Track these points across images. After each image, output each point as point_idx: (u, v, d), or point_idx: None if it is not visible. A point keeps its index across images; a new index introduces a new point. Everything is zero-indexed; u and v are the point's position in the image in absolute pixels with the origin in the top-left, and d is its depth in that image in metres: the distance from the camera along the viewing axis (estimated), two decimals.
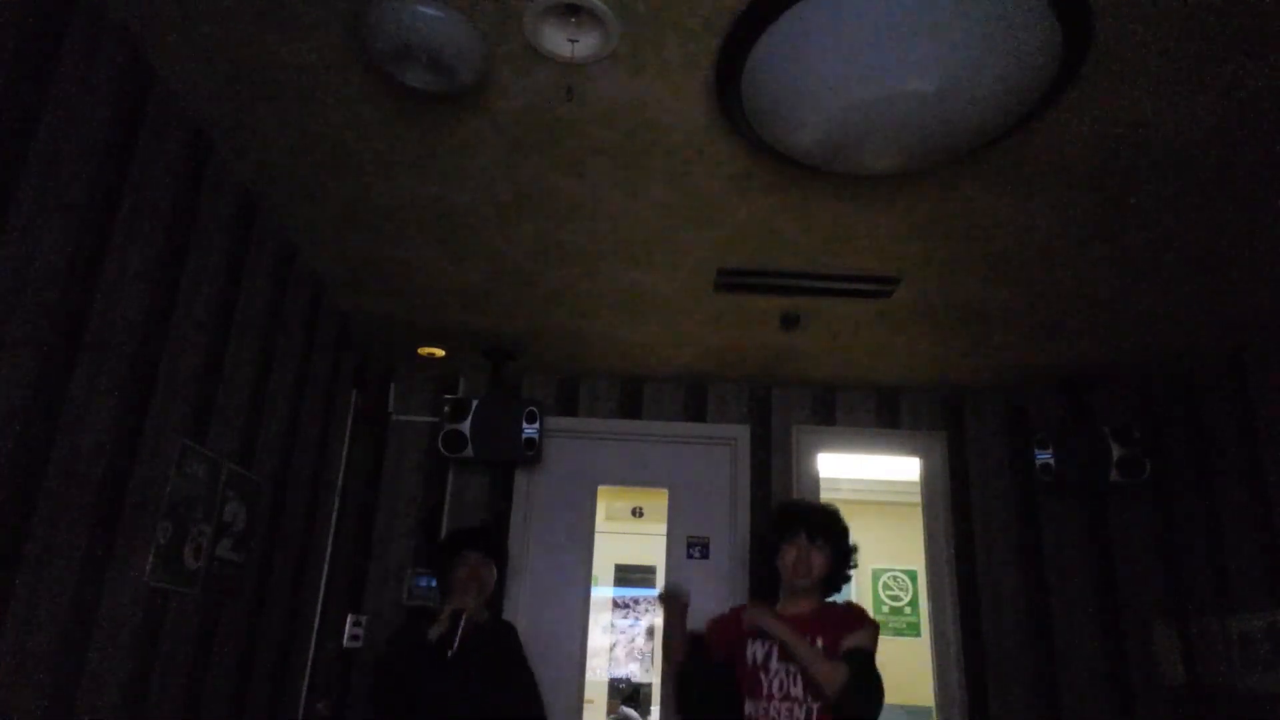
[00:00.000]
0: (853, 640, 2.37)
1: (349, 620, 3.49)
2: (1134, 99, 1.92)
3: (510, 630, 3.08)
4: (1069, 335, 3.22)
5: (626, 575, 6.13)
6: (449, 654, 2.70)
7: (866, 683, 2.33)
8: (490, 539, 3.03)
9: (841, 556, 2.59)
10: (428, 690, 2.70)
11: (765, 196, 2.40)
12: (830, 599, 2.61)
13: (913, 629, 6.09)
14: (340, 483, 3.41)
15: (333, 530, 3.36)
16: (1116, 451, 3.49)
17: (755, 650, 2.47)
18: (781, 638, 2.37)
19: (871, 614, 2.54)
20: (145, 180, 1.97)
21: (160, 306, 2.08)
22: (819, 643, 2.37)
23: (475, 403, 3.58)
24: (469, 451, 3.54)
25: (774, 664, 2.42)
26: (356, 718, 3.40)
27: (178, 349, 2.17)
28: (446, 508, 3.73)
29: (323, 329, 3.12)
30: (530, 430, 3.57)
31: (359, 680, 3.47)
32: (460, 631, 2.71)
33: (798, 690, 2.36)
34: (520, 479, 3.78)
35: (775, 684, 2.40)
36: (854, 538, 2.64)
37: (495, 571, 2.95)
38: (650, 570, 5.99)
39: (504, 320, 3.33)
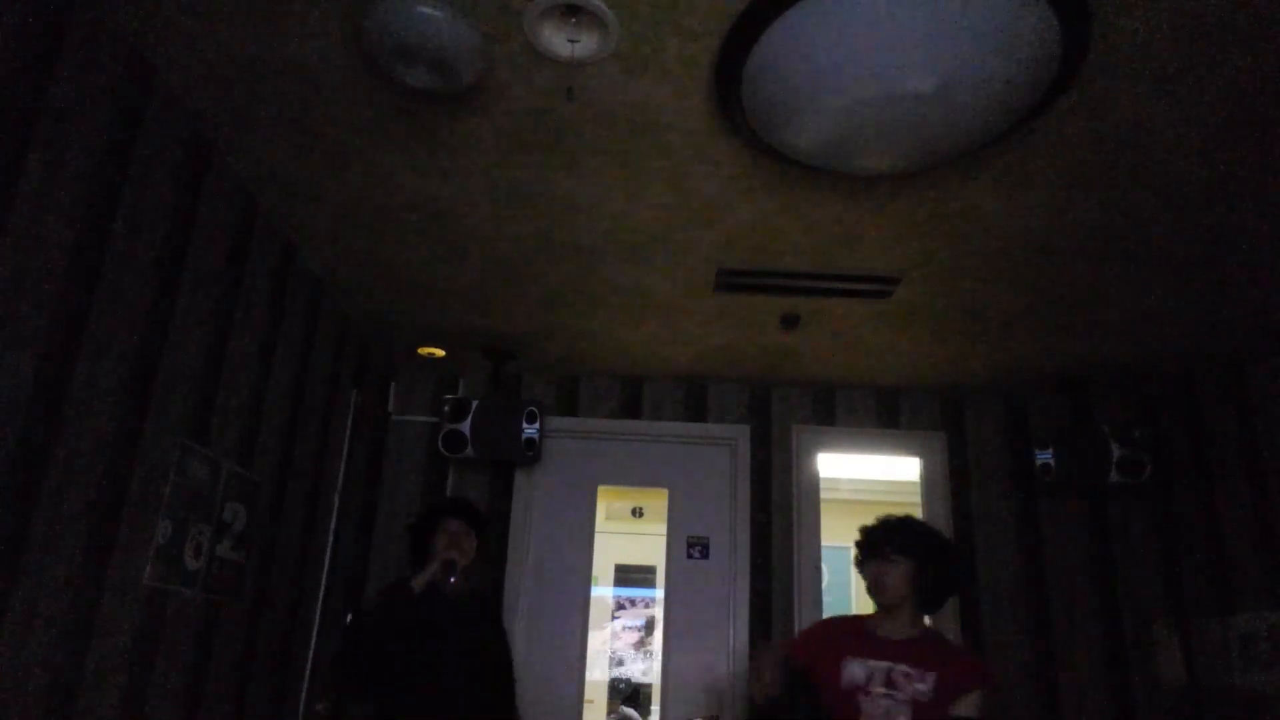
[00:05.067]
0: (967, 707, 2.26)
1: (349, 620, 3.48)
2: (1134, 99, 1.92)
3: (494, 606, 3.05)
4: (1069, 335, 3.22)
5: (626, 575, 6.13)
6: (445, 593, 2.67)
7: None
8: (472, 510, 2.94)
9: (932, 567, 2.42)
10: (412, 644, 2.63)
11: (765, 196, 2.40)
12: (932, 626, 2.46)
13: None
14: (340, 483, 3.41)
15: (333, 530, 3.36)
16: (1116, 451, 3.49)
17: (854, 671, 2.35)
18: None
19: (986, 664, 2.44)
20: (145, 180, 1.97)
21: (160, 306, 2.08)
22: (927, 677, 2.27)
23: (475, 403, 3.58)
24: (469, 451, 3.54)
25: (876, 689, 2.30)
26: (355, 714, 3.40)
27: (178, 349, 2.17)
28: None
29: (323, 329, 3.12)
30: (530, 430, 3.57)
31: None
32: (454, 580, 2.67)
33: None
34: (520, 479, 3.78)
35: (879, 711, 2.28)
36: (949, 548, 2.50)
37: (475, 543, 2.87)
38: (650, 570, 5.99)
39: (504, 320, 3.33)
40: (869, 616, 2.53)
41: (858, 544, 2.54)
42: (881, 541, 2.47)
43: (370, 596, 3.47)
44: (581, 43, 1.81)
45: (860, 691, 2.31)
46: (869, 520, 2.58)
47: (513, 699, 2.90)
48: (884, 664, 2.34)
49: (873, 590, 2.45)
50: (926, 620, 2.51)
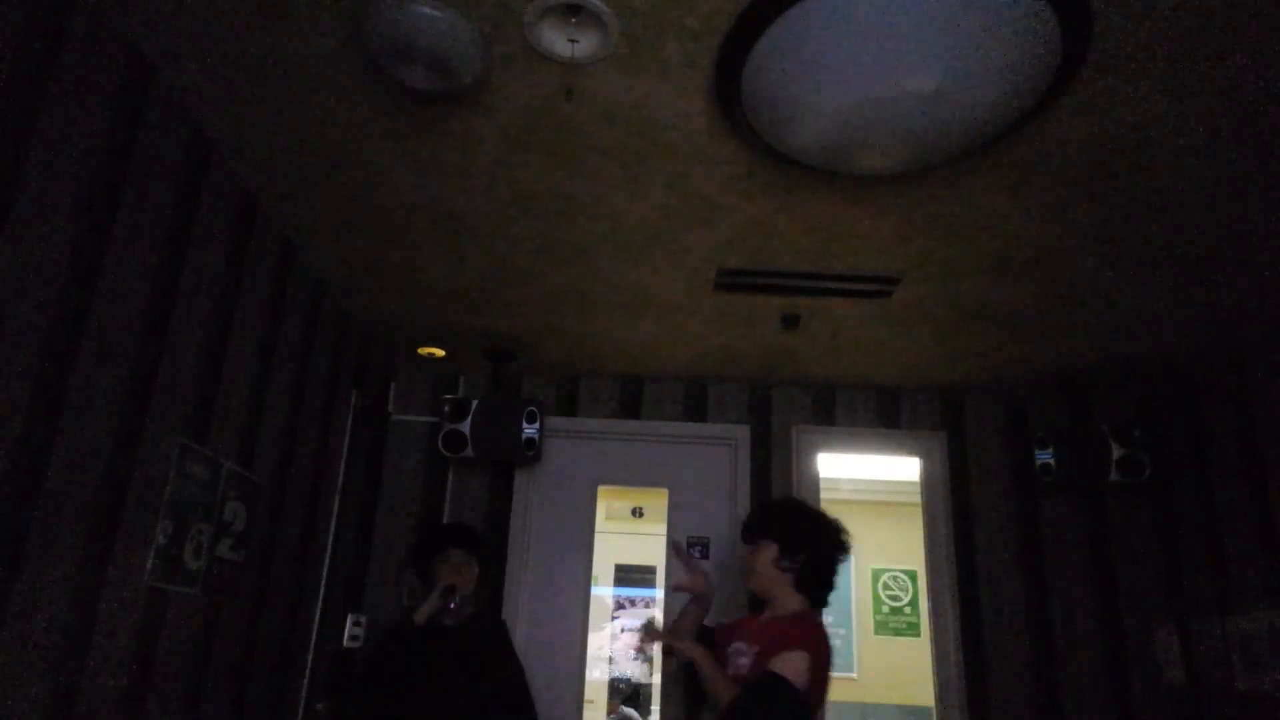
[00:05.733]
0: (778, 663, 2.15)
1: (349, 620, 3.49)
2: (1134, 99, 1.92)
3: (500, 625, 3.08)
4: (1069, 335, 3.22)
5: (626, 575, 6.13)
6: (446, 624, 2.70)
7: (754, 711, 2.13)
8: (473, 537, 3.01)
9: (799, 546, 2.35)
10: (415, 674, 2.68)
11: (765, 196, 2.40)
12: (807, 611, 2.35)
13: (913, 629, 6.09)
14: (340, 483, 3.41)
15: (333, 530, 3.36)
16: (1116, 451, 3.49)
17: (727, 655, 2.40)
18: (690, 658, 2.31)
19: (817, 637, 2.25)
20: (145, 180, 1.97)
21: (160, 306, 2.08)
22: (750, 651, 2.25)
23: (475, 403, 3.58)
24: (469, 451, 3.54)
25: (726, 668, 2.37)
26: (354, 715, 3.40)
27: (178, 349, 2.17)
28: (446, 508, 3.73)
29: (323, 329, 3.12)
30: (530, 430, 3.57)
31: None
32: (454, 606, 2.70)
33: None
34: (520, 479, 3.78)
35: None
36: (852, 532, 2.47)
37: (477, 570, 2.93)
38: (650, 570, 5.99)
39: (504, 320, 3.33)
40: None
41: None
42: (750, 526, 2.45)
43: (375, 640, 3.48)
44: (581, 43, 1.81)
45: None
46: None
47: (532, 712, 2.93)
48: (735, 643, 2.37)
49: (744, 576, 2.44)
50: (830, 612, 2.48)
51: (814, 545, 2.40)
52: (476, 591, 2.88)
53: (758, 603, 2.51)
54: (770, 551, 2.37)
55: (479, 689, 2.74)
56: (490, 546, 3.09)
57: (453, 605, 2.74)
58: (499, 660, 2.90)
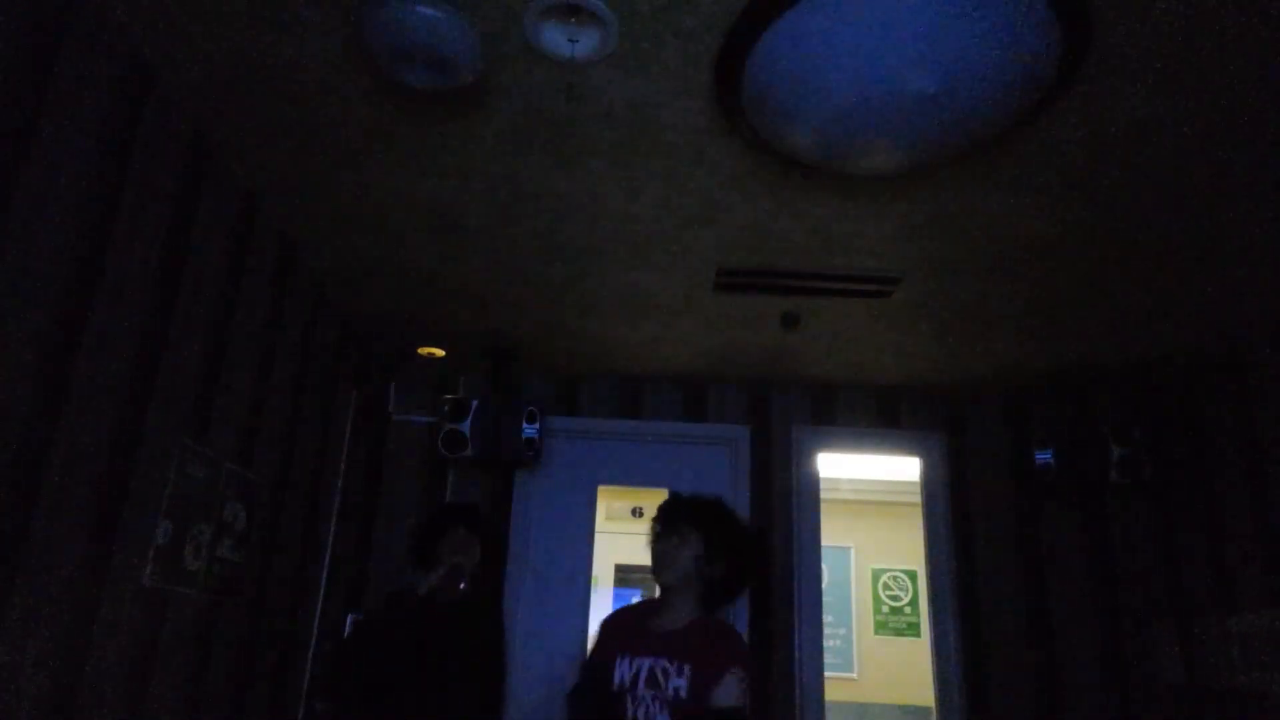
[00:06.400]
0: (723, 695, 2.01)
1: (349, 620, 3.49)
2: (1134, 99, 1.92)
3: (497, 619, 3.06)
4: (1069, 335, 3.22)
5: (626, 575, 6.13)
6: (444, 600, 2.68)
7: None
8: (476, 516, 2.95)
9: (723, 552, 2.19)
10: (410, 640, 2.64)
11: (765, 196, 2.40)
12: (713, 614, 2.19)
13: (913, 629, 6.09)
14: (340, 483, 3.41)
15: (333, 530, 3.36)
16: (1116, 451, 3.49)
17: (623, 670, 2.17)
18: None
19: (744, 647, 2.12)
20: (145, 180, 1.97)
21: (160, 306, 2.08)
22: (684, 671, 2.09)
23: (475, 403, 3.58)
24: (469, 451, 3.54)
25: (641, 689, 2.13)
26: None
27: (178, 349, 2.17)
28: None
29: (323, 329, 3.12)
30: (530, 430, 3.57)
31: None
32: (464, 585, 2.68)
33: None
34: (520, 479, 3.78)
35: (641, 713, 2.11)
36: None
37: (479, 550, 2.90)
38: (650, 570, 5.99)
39: (504, 320, 3.33)
40: (650, 604, 2.32)
41: (655, 519, 2.38)
42: (678, 516, 2.30)
43: (376, 604, 3.48)
44: (581, 42, 1.81)
45: (627, 693, 2.14)
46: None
47: (498, 702, 2.90)
48: (648, 660, 2.16)
49: (657, 567, 2.27)
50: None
51: (735, 558, 2.24)
52: (474, 574, 2.86)
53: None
54: (695, 548, 2.23)
55: (461, 668, 2.72)
56: (491, 527, 3.05)
57: (462, 585, 2.71)
58: (485, 649, 2.88)
